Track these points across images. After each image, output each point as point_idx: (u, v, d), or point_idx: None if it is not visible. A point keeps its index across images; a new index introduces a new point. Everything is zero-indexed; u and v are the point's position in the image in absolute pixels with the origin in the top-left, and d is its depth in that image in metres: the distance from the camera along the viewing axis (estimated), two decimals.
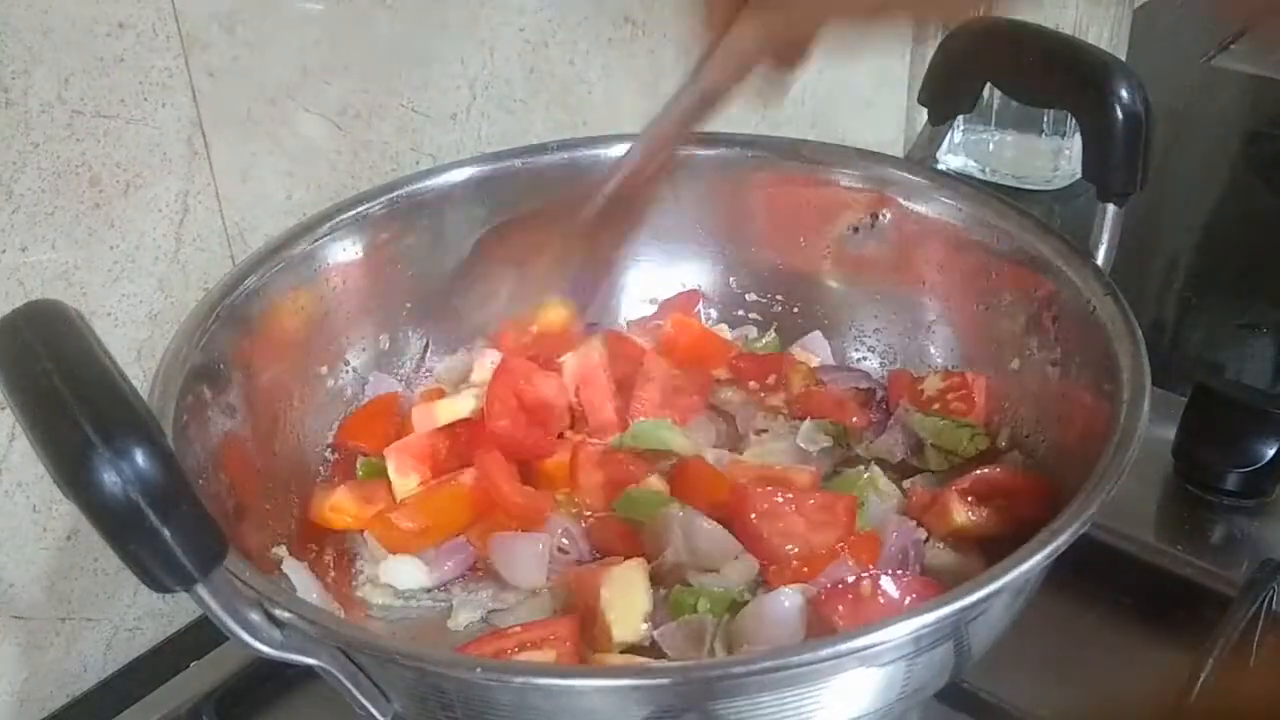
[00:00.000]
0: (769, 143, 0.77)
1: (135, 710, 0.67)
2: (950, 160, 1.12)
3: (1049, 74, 0.64)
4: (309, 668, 0.48)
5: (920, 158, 0.74)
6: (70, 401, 0.40)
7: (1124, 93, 0.61)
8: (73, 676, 0.70)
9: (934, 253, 0.73)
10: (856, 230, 0.75)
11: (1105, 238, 0.65)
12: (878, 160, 0.74)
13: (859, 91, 1.12)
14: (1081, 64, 0.63)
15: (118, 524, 0.40)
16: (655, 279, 0.79)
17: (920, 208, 0.72)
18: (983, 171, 1.11)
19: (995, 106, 1.08)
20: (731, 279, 0.79)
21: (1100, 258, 0.65)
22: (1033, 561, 0.49)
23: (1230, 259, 1.03)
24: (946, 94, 0.72)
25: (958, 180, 0.73)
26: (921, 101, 0.73)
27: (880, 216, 0.74)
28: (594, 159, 0.75)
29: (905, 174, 0.73)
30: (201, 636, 0.69)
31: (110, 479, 0.39)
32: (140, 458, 0.39)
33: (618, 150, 0.76)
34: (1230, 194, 1.14)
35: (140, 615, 0.72)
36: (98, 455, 0.39)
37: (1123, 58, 1.06)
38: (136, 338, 0.68)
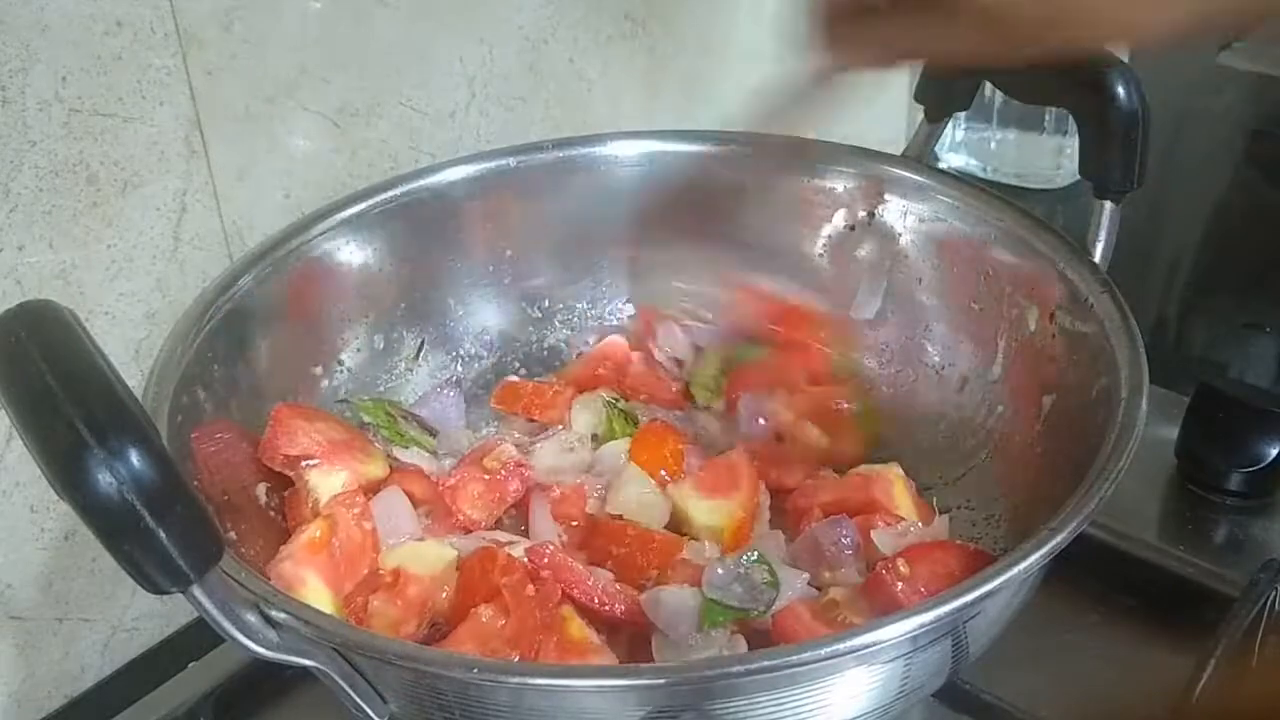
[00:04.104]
0: (765, 140, 0.77)
1: (133, 711, 0.67)
2: (952, 159, 1.12)
3: (1046, 71, 0.63)
4: (305, 669, 0.48)
5: (917, 155, 0.74)
6: (64, 402, 0.40)
7: (1121, 90, 0.61)
8: (70, 677, 0.70)
9: (931, 251, 0.72)
10: (853, 228, 0.75)
11: (1103, 235, 0.65)
12: (874, 158, 0.74)
13: (859, 90, 1.12)
14: (1078, 61, 0.63)
15: (113, 525, 0.40)
16: (647, 277, 0.79)
17: (917, 206, 0.72)
18: (984, 170, 1.11)
19: (997, 105, 1.08)
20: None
21: (1098, 255, 0.65)
22: (1031, 560, 0.48)
23: (1234, 258, 1.03)
24: (943, 91, 0.72)
25: (955, 178, 0.73)
26: (918, 99, 0.73)
27: (876, 214, 0.74)
28: (592, 157, 0.75)
29: (902, 171, 0.73)
30: (199, 637, 0.69)
31: (105, 479, 0.39)
32: (135, 458, 0.39)
33: (616, 149, 0.76)
34: (1234, 192, 1.14)
35: (138, 616, 0.72)
36: (92, 456, 0.39)
37: (1125, 56, 1.06)
38: (134, 337, 0.68)
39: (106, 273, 0.65)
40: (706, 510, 0.65)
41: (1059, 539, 0.49)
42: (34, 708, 0.69)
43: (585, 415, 0.73)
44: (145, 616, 0.72)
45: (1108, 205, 0.64)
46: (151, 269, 0.67)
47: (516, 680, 0.47)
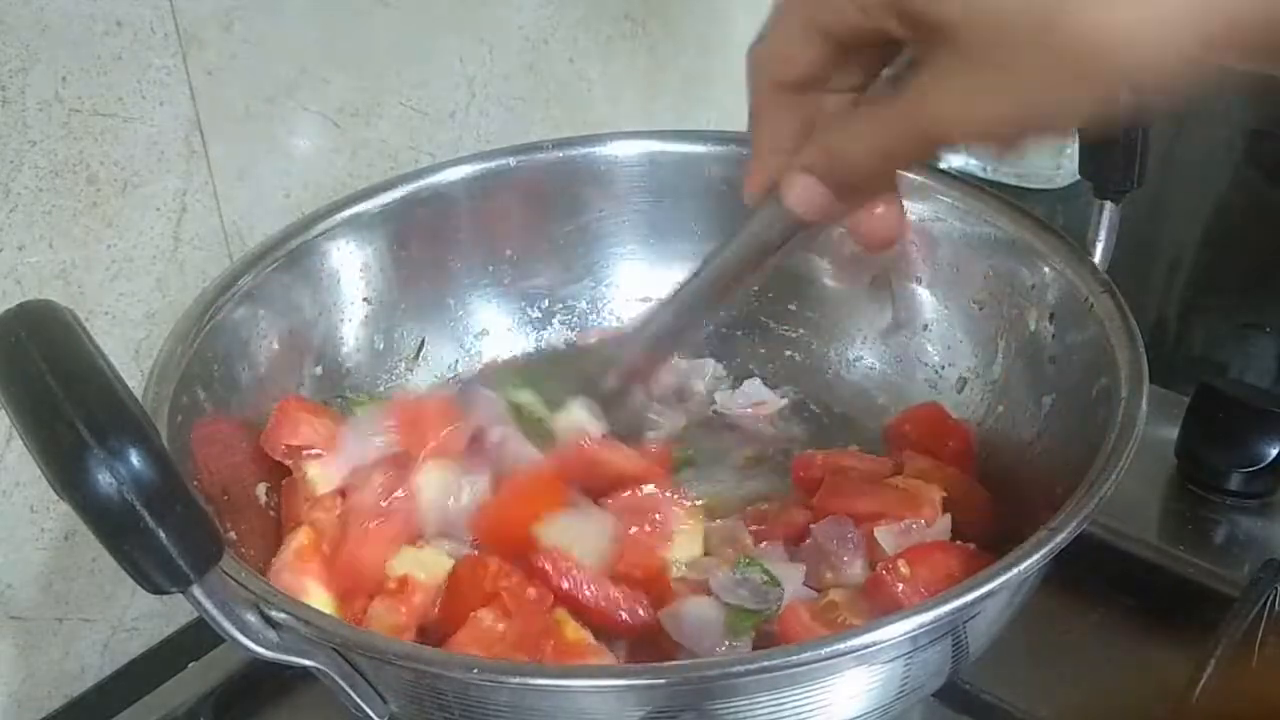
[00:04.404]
0: None
1: (133, 711, 0.67)
2: (952, 158, 1.11)
3: None
4: (305, 669, 0.48)
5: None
6: (64, 402, 0.40)
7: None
8: (70, 677, 0.70)
9: (930, 251, 0.72)
10: None
11: (1103, 235, 0.65)
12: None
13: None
14: None
15: (112, 525, 0.40)
16: (647, 277, 0.79)
17: (917, 205, 0.72)
18: (984, 170, 1.11)
19: None
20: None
21: (1098, 255, 0.65)
22: (1031, 560, 0.48)
23: (1234, 258, 1.03)
24: None
25: (955, 178, 0.73)
26: None
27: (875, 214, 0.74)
28: (592, 157, 0.75)
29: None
30: (199, 637, 0.69)
31: (105, 479, 0.39)
32: (135, 458, 0.39)
33: (616, 149, 0.76)
34: (1234, 192, 1.14)
35: (138, 616, 0.72)
36: (92, 456, 0.39)
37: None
38: (134, 337, 0.68)
39: (106, 273, 0.65)
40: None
41: (1059, 539, 0.49)
42: (34, 707, 0.69)
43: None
44: (145, 616, 0.72)
45: (1108, 205, 0.65)
46: (151, 269, 0.67)
47: (517, 681, 0.47)
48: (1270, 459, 0.73)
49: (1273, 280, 0.98)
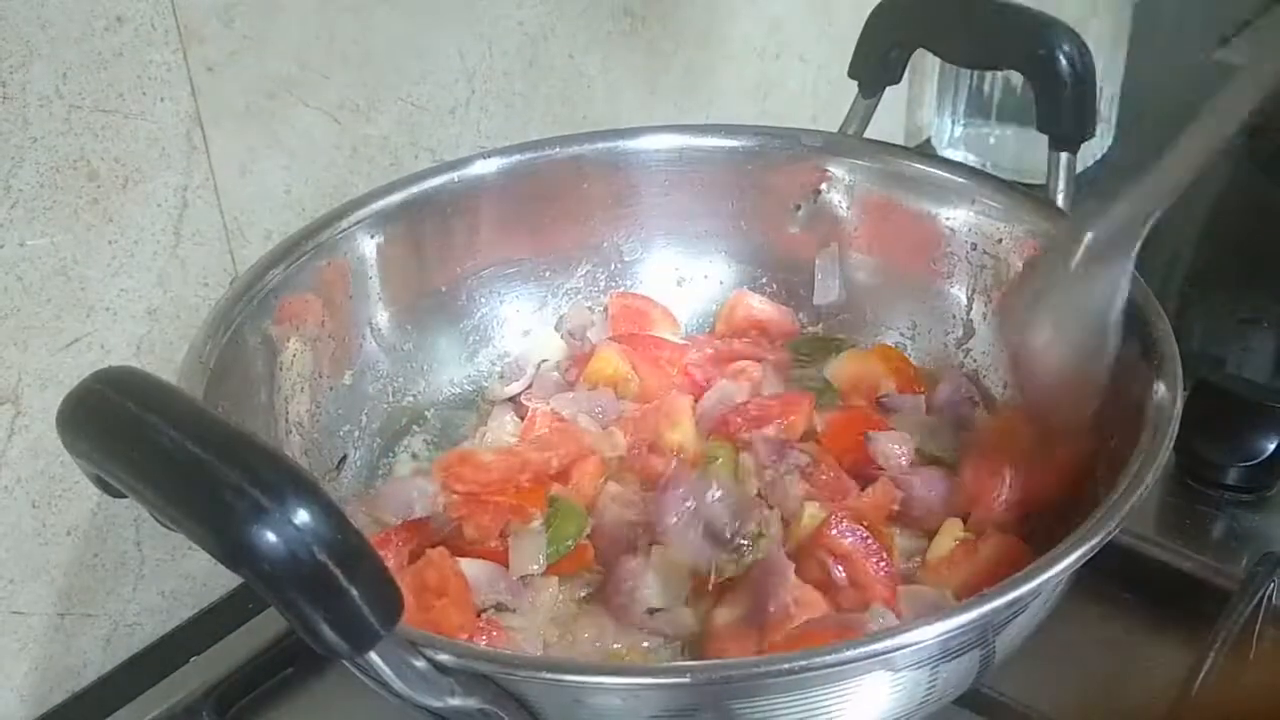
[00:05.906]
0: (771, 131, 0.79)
1: (134, 706, 0.67)
2: (951, 155, 1.12)
3: (992, 38, 0.70)
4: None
5: (856, 132, 0.77)
6: (219, 468, 0.37)
7: (1068, 48, 0.67)
8: (72, 672, 0.70)
9: (933, 246, 0.74)
10: (799, 208, 0.77)
11: (1062, 184, 0.69)
12: (813, 137, 0.76)
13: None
14: (1027, 27, 0.68)
15: (302, 585, 0.37)
16: (659, 275, 0.81)
17: (917, 196, 0.74)
18: (983, 165, 1.11)
19: (996, 100, 1.08)
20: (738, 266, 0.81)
21: (1059, 203, 0.69)
22: (1050, 573, 0.48)
23: (1232, 253, 1.03)
24: (877, 67, 0.75)
25: (956, 165, 0.76)
26: (852, 75, 0.76)
27: (822, 192, 0.76)
28: (595, 155, 0.76)
29: (910, 162, 0.75)
30: (200, 633, 0.69)
31: (288, 539, 0.36)
32: (312, 515, 0.37)
33: (615, 145, 0.77)
34: (1232, 188, 1.14)
35: (139, 611, 0.72)
36: (268, 518, 0.36)
37: (1123, 52, 1.06)
38: (135, 333, 0.68)
39: (107, 268, 0.65)
40: None
41: (1085, 548, 0.49)
42: (36, 703, 0.69)
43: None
44: (147, 612, 0.72)
45: (1064, 156, 0.68)
46: (152, 265, 0.67)
47: (522, 675, 0.46)
48: (1268, 453, 0.73)
49: (1270, 275, 0.98)
